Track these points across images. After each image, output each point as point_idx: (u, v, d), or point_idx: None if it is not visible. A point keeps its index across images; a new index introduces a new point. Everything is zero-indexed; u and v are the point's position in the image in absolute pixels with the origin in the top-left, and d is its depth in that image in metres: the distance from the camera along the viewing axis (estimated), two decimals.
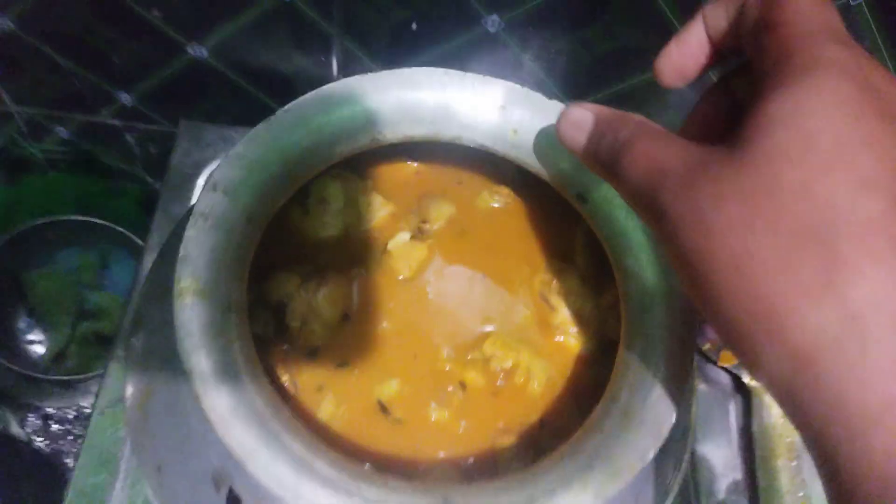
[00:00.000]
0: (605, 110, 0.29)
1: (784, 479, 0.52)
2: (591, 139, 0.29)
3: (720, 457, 0.54)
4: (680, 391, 0.32)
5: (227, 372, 0.29)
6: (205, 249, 0.31)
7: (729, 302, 0.22)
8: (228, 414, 0.28)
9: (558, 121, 0.31)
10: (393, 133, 0.39)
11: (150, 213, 0.57)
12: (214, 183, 0.33)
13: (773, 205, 0.21)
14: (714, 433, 0.56)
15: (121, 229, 0.74)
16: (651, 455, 0.31)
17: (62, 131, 0.71)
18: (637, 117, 0.28)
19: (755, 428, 0.54)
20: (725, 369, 0.57)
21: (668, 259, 0.25)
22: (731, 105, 0.31)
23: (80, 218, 0.75)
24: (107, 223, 0.74)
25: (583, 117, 0.30)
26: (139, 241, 0.73)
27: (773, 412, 0.54)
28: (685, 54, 0.29)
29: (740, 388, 0.57)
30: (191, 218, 0.32)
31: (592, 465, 0.31)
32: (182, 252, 0.31)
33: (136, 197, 0.79)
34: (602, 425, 0.32)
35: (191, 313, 0.30)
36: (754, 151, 0.22)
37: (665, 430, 0.31)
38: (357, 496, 0.28)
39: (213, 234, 0.32)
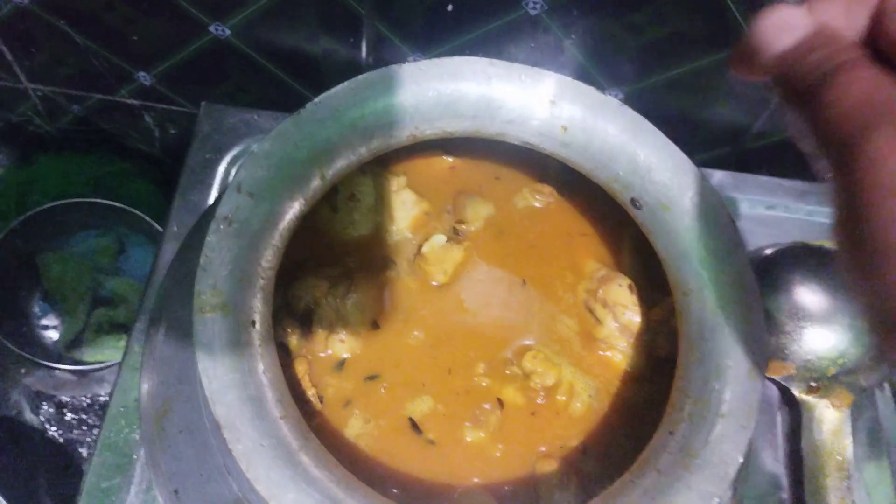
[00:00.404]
0: (829, 20, 0.25)
1: (833, 500, 0.49)
2: (799, 46, 0.24)
3: (765, 473, 0.52)
4: (747, 428, 0.29)
5: (252, 399, 0.26)
6: (227, 259, 0.29)
7: None
8: (253, 448, 0.25)
9: (761, 15, 0.26)
10: (431, 129, 0.35)
11: (169, 197, 0.55)
12: (238, 183, 0.30)
13: None
14: (759, 448, 0.53)
15: (139, 213, 0.72)
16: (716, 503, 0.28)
17: (78, 110, 0.69)
18: (859, 44, 0.24)
19: (804, 444, 0.51)
20: (773, 380, 0.54)
21: (847, 214, 0.21)
22: None
23: (97, 200, 0.73)
24: (124, 206, 0.72)
25: (798, 20, 0.25)
26: (158, 227, 0.70)
27: (823, 428, 0.51)
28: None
29: (788, 401, 0.53)
30: (212, 222, 0.29)
31: None
32: (202, 261, 0.28)
33: (155, 180, 0.76)
34: (658, 462, 0.29)
35: (211, 331, 0.27)
36: None
37: (732, 474, 0.28)
38: None
39: (236, 240, 0.29)
